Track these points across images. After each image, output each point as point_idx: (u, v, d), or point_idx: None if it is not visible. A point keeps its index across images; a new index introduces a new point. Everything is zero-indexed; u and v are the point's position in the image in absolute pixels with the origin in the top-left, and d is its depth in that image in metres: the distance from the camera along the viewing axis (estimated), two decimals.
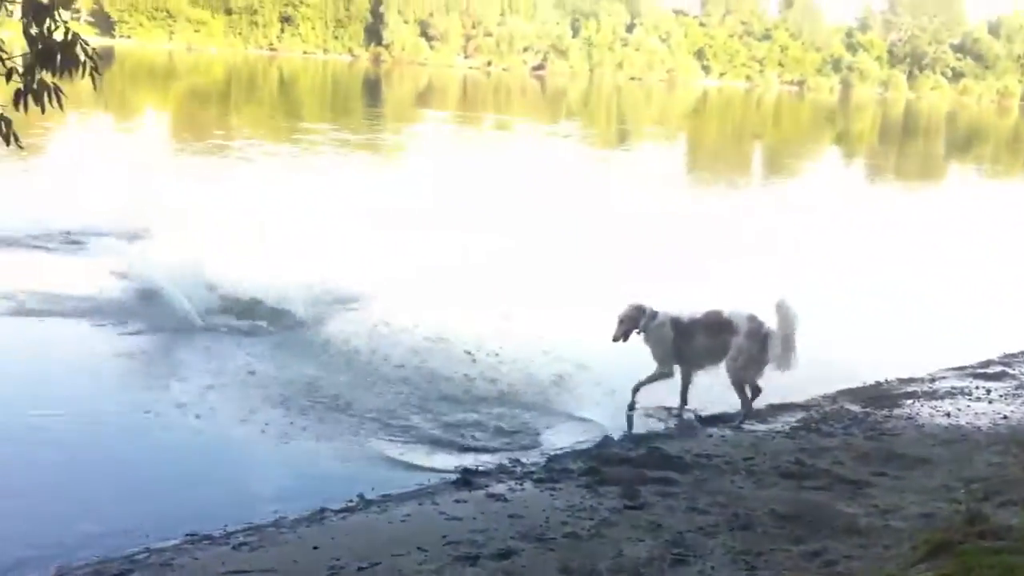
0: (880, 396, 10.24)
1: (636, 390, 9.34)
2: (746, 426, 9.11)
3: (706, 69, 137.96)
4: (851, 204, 29.26)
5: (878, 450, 8.24)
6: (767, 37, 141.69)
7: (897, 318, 13.81)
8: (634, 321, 9.25)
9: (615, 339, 9.33)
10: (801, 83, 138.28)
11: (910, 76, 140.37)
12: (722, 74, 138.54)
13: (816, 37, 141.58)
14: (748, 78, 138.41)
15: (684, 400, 9.50)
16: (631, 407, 9.33)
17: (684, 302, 9.78)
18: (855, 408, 9.72)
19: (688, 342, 9.24)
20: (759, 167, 41.36)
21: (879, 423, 9.19)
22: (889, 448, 8.33)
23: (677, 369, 9.49)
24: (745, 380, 9.22)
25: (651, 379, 9.36)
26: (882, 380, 10.82)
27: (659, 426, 9.10)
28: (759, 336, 9.02)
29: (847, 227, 23.38)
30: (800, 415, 9.51)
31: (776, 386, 9.93)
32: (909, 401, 10.03)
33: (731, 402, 9.66)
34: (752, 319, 9.10)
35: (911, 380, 10.92)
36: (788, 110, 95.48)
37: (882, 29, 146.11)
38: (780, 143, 54.77)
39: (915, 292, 15.63)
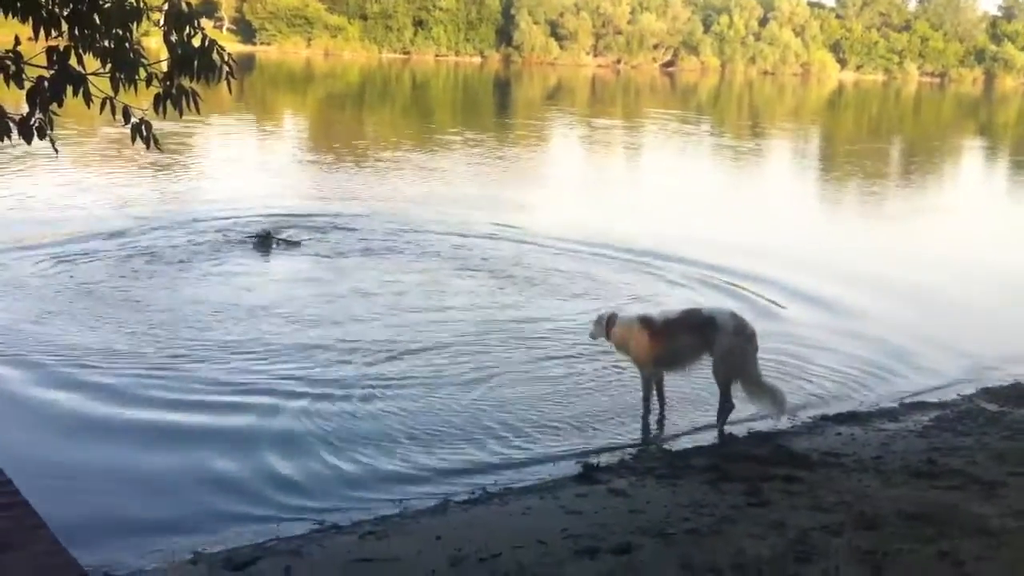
0: (1020, 395, 9.85)
1: (646, 408, 8.96)
2: (877, 424, 8.87)
3: (842, 62, 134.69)
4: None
5: (1014, 450, 7.94)
6: (906, 28, 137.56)
7: None
8: (608, 323, 8.98)
9: (594, 337, 9.26)
10: (942, 75, 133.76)
11: None
12: (859, 67, 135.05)
13: (958, 27, 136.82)
14: (886, 71, 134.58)
15: (662, 399, 9.04)
16: (647, 421, 8.89)
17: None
18: (992, 407, 9.39)
19: (669, 342, 8.72)
20: None
21: (1017, 422, 8.85)
22: None
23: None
24: (735, 378, 8.65)
25: (647, 387, 8.96)
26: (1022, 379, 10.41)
27: (786, 423, 8.88)
28: (746, 333, 8.56)
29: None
30: (934, 413, 9.23)
31: (913, 382, 10.02)
32: None
33: (861, 399, 9.52)
34: (735, 315, 8.70)
35: None
36: (934, 103, 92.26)
37: None
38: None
39: None
